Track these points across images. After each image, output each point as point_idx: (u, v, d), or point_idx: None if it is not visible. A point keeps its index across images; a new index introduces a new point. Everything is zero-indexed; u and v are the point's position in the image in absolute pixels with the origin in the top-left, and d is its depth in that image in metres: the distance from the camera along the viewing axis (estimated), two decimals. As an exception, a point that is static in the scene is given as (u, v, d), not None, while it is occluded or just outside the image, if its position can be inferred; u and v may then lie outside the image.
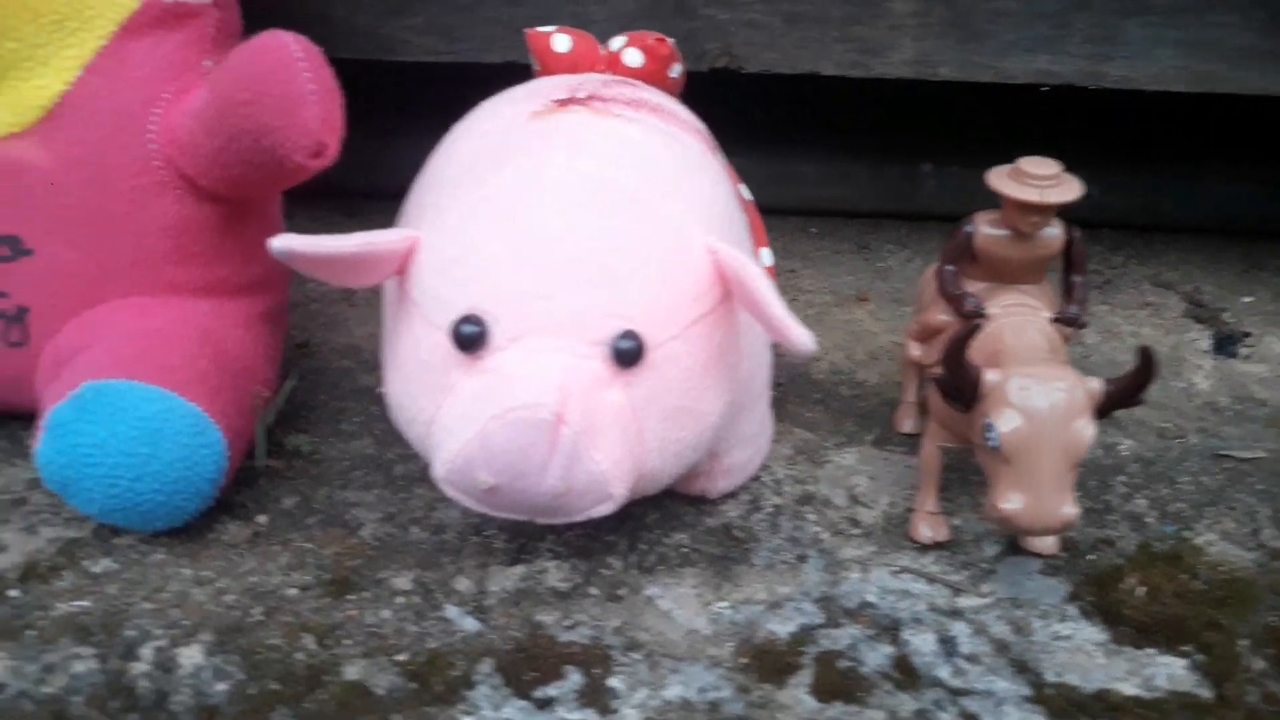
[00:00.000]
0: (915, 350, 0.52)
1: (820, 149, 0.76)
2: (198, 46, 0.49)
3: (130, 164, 0.48)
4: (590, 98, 0.47)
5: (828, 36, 0.60)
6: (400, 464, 0.54)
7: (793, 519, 0.51)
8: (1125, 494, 0.53)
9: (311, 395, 0.58)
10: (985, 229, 0.49)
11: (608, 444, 0.40)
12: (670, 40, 0.54)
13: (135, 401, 0.44)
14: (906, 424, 0.56)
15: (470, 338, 0.40)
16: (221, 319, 0.50)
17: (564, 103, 0.46)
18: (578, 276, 0.40)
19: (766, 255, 0.55)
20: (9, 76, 0.46)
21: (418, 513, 0.51)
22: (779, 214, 0.72)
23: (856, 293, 0.71)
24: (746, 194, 0.56)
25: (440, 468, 0.40)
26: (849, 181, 0.77)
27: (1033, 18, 0.59)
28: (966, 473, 0.53)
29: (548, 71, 0.55)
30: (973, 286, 0.49)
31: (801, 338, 0.39)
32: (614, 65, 0.55)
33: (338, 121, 0.43)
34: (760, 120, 0.73)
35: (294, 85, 0.41)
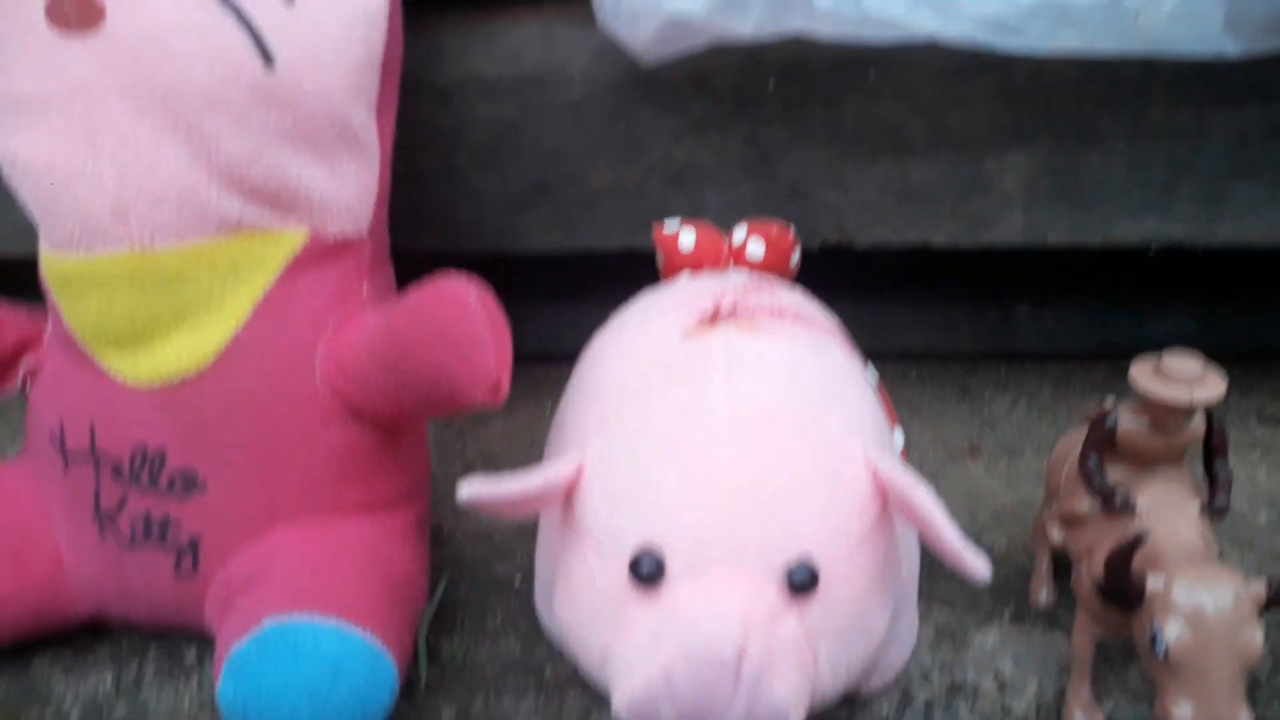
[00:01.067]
0: (1056, 535, 0.53)
1: (917, 294, 0.78)
2: (356, 274, 0.52)
3: (299, 395, 0.50)
4: (735, 310, 0.49)
5: (940, 212, 0.62)
6: (549, 666, 0.54)
7: (945, 712, 0.51)
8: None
9: (452, 589, 0.59)
10: (1128, 421, 0.49)
11: (786, 673, 0.40)
12: (791, 230, 0.56)
13: (315, 640, 0.45)
14: (1042, 597, 0.56)
15: (650, 572, 0.41)
16: (383, 534, 0.52)
17: (712, 319, 0.48)
18: (749, 507, 0.41)
19: (899, 436, 0.56)
20: (185, 321, 0.49)
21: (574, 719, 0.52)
22: (877, 359, 0.73)
23: (966, 444, 0.71)
24: (874, 376, 0.57)
25: (622, 700, 0.41)
26: (947, 325, 0.78)
27: (1140, 185, 0.60)
28: (1109, 651, 0.53)
29: (673, 266, 0.57)
30: (1111, 470, 0.50)
31: (977, 567, 0.40)
32: (738, 258, 0.57)
33: (509, 359, 0.44)
34: (858, 272, 0.75)
35: (472, 331, 0.43)
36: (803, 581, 0.40)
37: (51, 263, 0.50)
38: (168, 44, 0.45)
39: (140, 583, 0.52)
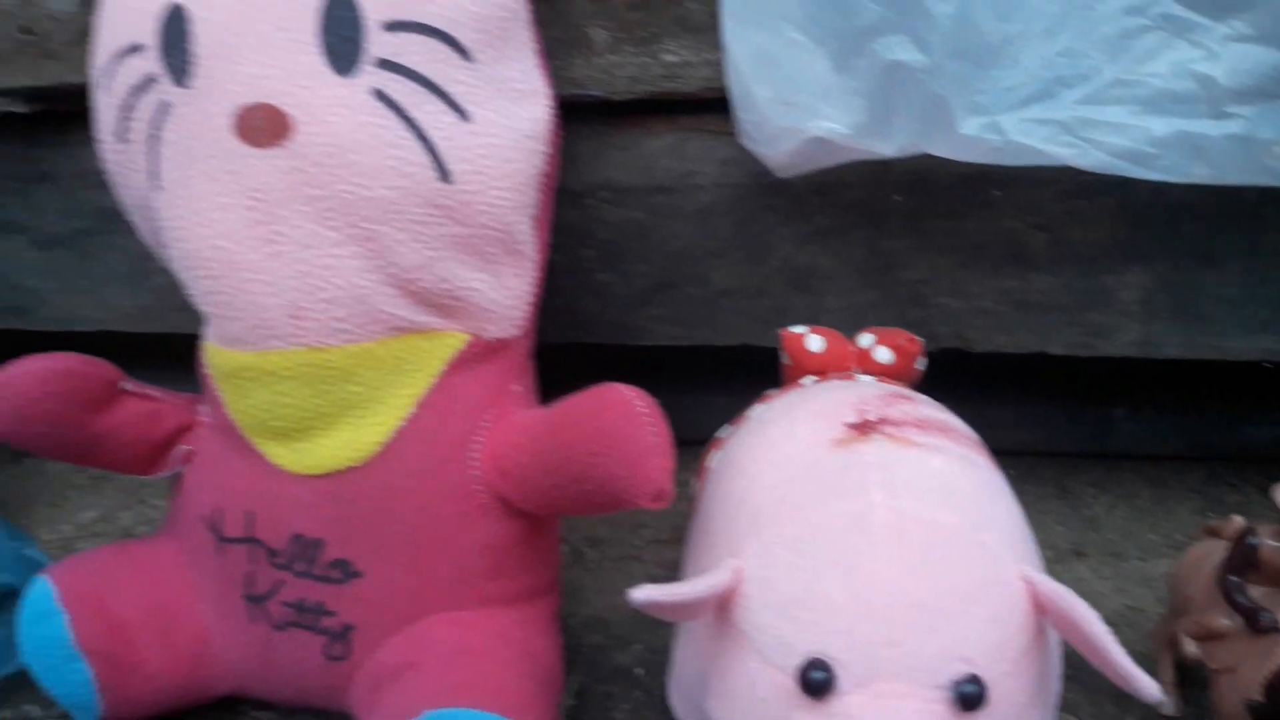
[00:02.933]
0: (1191, 649, 0.53)
1: (1017, 393, 0.79)
2: (510, 373, 0.54)
3: (455, 490, 0.51)
4: (881, 421, 0.50)
5: (1058, 321, 0.63)
6: (681, 760, 0.55)
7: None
8: None
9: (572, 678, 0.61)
10: (1269, 543, 0.50)
11: (953, 790, 0.41)
12: (919, 340, 0.58)
13: (475, 732, 0.46)
14: (1171, 708, 0.56)
15: (819, 683, 0.42)
16: (528, 627, 0.53)
17: (859, 428, 0.50)
18: (918, 621, 0.42)
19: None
20: (348, 416, 0.51)
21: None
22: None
23: (1072, 547, 0.72)
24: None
25: (787, 813, 0.42)
26: (1046, 424, 0.80)
27: (1255, 302, 0.62)
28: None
29: (800, 368, 0.59)
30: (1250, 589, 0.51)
31: (1147, 687, 0.41)
32: (864, 362, 0.59)
33: (672, 465, 0.46)
34: (959, 371, 0.76)
35: (640, 440, 0.45)
36: (973, 697, 0.41)
37: (218, 356, 0.52)
38: (352, 158, 0.47)
39: (288, 664, 0.53)
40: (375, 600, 0.52)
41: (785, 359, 0.60)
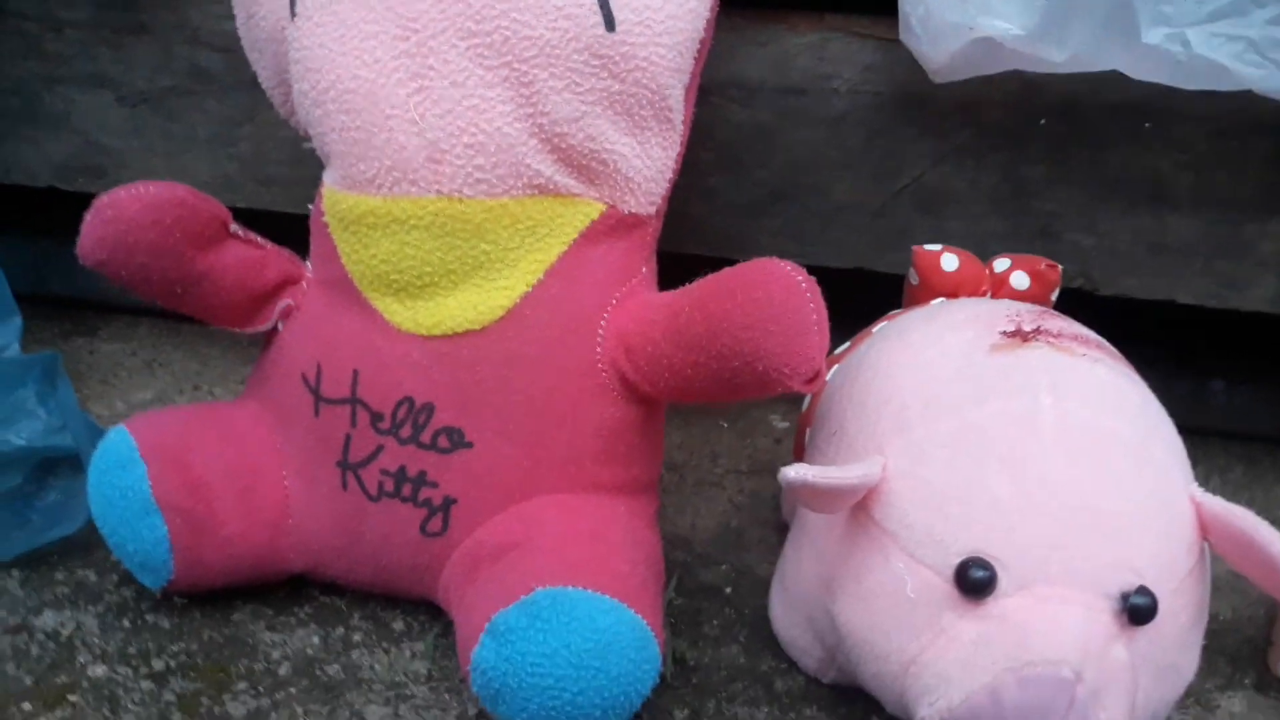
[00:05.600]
0: None
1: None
2: (641, 253, 0.51)
3: (577, 366, 0.49)
4: (1039, 331, 0.48)
5: (1191, 268, 0.61)
6: (778, 678, 0.52)
7: (1200, 772, 0.49)
8: None
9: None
10: None
11: (1112, 704, 0.39)
12: (1059, 267, 0.55)
13: (590, 612, 0.43)
14: (1286, 669, 0.54)
15: (980, 582, 0.39)
16: (636, 518, 0.50)
17: (1017, 335, 0.47)
18: (1089, 526, 0.40)
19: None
20: (475, 276, 0.48)
21: (813, 734, 0.50)
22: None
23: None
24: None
25: (934, 714, 0.39)
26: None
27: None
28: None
29: (929, 288, 0.56)
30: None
31: None
32: (999, 287, 0.56)
33: (828, 347, 0.43)
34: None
35: (801, 315, 0.42)
36: (1144, 610, 0.39)
37: (341, 201, 0.49)
38: (516, -7, 0.44)
39: (376, 539, 0.51)
40: (483, 473, 0.49)
41: (914, 278, 0.57)
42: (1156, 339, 0.75)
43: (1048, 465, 0.41)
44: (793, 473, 0.40)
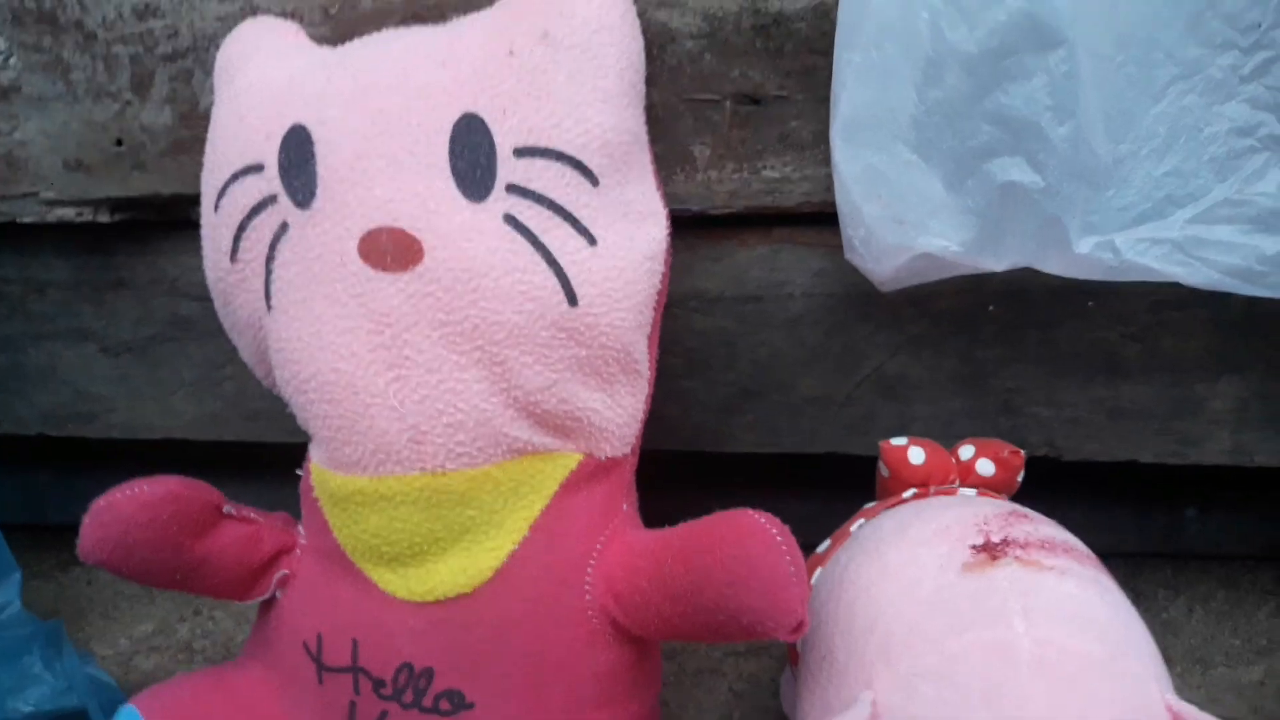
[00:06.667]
0: None
1: (1085, 494, 0.78)
2: (620, 491, 0.53)
3: (568, 617, 0.50)
4: (1006, 542, 0.49)
5: (1149, 429, 0.63)
6: None
7: None
8: None
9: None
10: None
11: None
12: (1021, 452, 0.58)
13: None
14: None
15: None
16: (641, 754, 0.52)
17: (986, 550, 0.49)
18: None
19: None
20: (463, 541, 0.50)
21: None
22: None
23: (1157, 653, 0.71)
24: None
25: None
26: (1113, 526, 0.79)
27: (1346, 410, 0.62)
28: None
29: (900, 481, 0.58)
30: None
31: None
32: (966, 475, 0.58)
33: (809, 595, 0.45)
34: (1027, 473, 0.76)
35: (779, 569, 0.44)
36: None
37: (329, 480, 0.51)
38: (483, 283, 0.47)
39: (392, 801, 0.51)
40: (488, 732, 0.50)
41: (884, 471, 0.59)
42: (1126, 481, 0.77)
43: (1024, 696, 0.42)
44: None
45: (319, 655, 0.52)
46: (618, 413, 0.51)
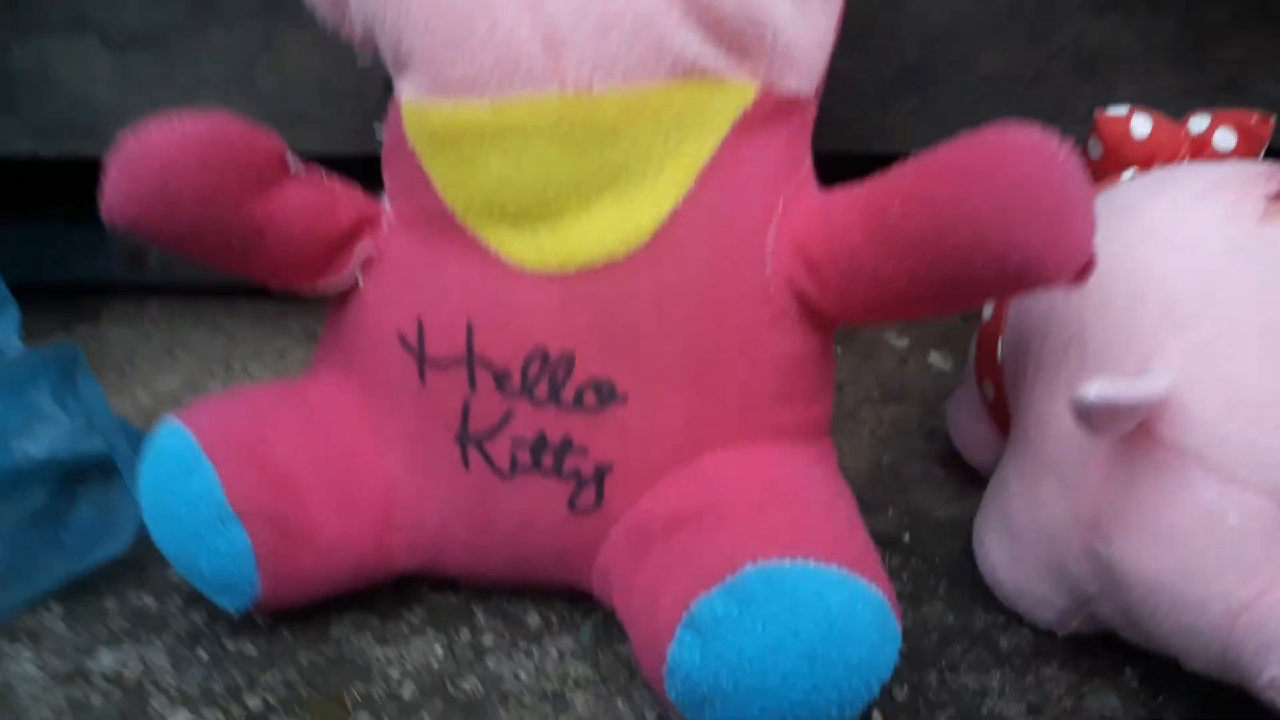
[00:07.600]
0: None
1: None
2: (803, 143, 0.42)
3: (746, 290, 0.39)
4: (1305, 192, 0.39)
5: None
6: (1001, 635, 0.44)
7: None
8: None
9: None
10: None
11: None
12: (1271, 118, 0.47)
13: (818, 590, 0.34)
14: None
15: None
16: (826, 467, 0.42)
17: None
18: None
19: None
20: (614, 189, 0.38)
21: (1066, 702, 0.41)
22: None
23: None
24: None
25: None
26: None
27: None
28: None
29: (1118, 160, 0.48)
30: None
31: None
32: (1200, 150, 0.47)
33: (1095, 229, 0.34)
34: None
35: (1068, 193, 0.33)
36: None
37: (432, 114, 0.39)
38: None
39: (512, 522, 0.42)
40: (643, 433, 0.40)
41: (1095, 150, 0.49)
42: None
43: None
44: (1094, 394, 0.32)
45: (420, 347, 0.41)
46: (806, 31, 0.40)
